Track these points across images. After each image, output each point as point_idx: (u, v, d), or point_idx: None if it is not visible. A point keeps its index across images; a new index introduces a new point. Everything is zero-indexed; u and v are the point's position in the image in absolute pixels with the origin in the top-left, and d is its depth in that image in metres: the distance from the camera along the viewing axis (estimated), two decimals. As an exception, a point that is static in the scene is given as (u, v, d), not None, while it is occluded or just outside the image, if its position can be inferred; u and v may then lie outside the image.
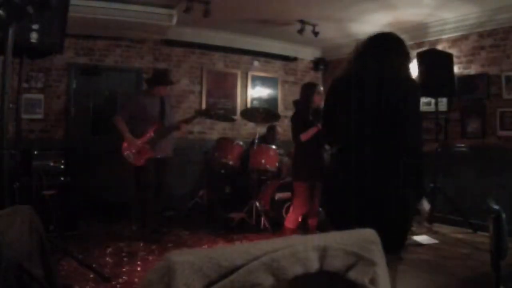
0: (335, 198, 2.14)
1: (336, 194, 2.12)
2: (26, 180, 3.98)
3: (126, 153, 4.17)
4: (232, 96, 6.70)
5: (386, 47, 2.03)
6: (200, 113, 4.60)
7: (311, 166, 3.66)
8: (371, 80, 1.96)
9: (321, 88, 3.83)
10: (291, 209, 3.94)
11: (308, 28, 5.68)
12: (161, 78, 4.42)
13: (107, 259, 3.56)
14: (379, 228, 1.97)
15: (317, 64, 7.41)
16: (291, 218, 3.81)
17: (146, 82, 4.67)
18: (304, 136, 3.67)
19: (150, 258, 3.65)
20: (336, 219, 2.15)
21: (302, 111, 3.79)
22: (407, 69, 2.08)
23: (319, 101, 3.72)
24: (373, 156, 1.92)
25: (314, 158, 3.69)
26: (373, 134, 1.94)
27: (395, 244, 1.97)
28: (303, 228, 4.09)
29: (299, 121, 3.78)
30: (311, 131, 3.65)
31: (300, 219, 3.95)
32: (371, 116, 1.93)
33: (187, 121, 4.49)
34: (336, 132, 2.13)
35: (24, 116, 4.91)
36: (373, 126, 1.94)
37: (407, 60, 2.09)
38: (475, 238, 4.54)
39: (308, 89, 3.82)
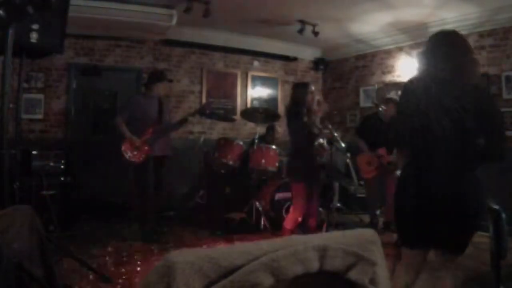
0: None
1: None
2: (26, 180, 3.98)
3: (125, 151, 4.20)
4: (232, 96, 6.70)
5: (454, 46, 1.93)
6: (196, 112, 4.62)
7: (307, 166, 3.65)
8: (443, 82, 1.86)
9: (313, 88, 3.82)
10: (291, 210, 3.93)
11: (308, 28, 5.68)
12: (157, 76, 4.45)
13: (107, 259, 3.55)
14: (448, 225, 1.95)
15: (317, 64, 7.41)
16: (290, 219, 3.80)
17: (144, 85, 4.68)
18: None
19: (150, 258, 3.64)
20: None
21: (298, 111, 3.76)
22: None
23: (312, 100, 3.72)
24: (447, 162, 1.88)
25: (309, 158, 3.68)
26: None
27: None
28: (303, 228, 4.09)
29: (291, 117, 3.76)
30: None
31: (300, 220, 3.94)
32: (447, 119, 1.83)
33: (186, 117, 4.52)
34: (408, 137, 1.99)
35: (24, 116, 4.91)
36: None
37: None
38: (475, 238, 4.51)
39: (301, 90, 3.80)
